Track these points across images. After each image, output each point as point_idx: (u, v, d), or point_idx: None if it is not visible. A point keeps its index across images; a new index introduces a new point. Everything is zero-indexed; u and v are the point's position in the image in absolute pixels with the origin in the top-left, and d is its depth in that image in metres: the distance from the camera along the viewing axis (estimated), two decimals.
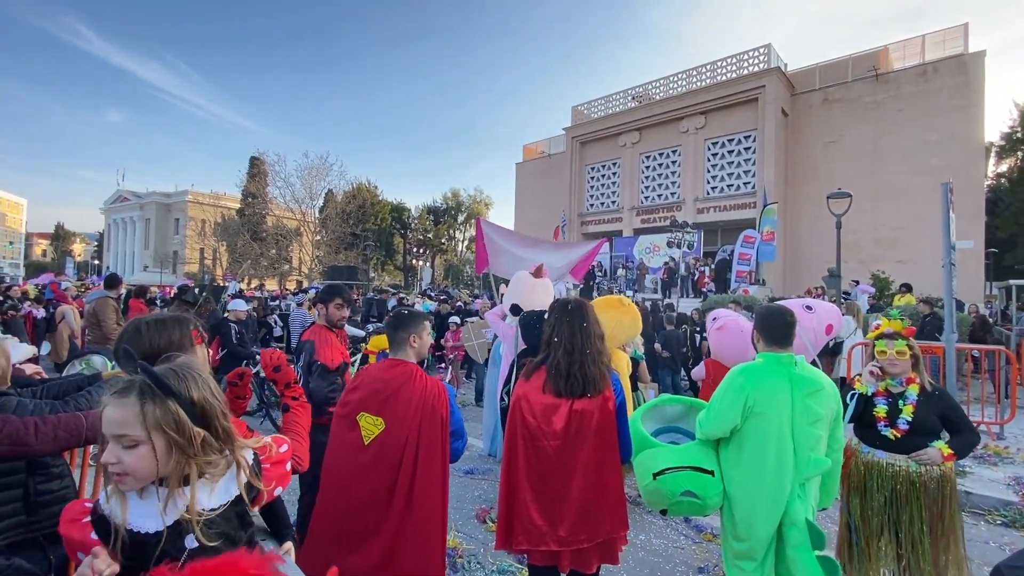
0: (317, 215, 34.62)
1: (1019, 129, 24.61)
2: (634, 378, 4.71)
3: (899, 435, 2.57)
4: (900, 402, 2.60)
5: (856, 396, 2.65)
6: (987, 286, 19.54)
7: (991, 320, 11.41)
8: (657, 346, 7.61)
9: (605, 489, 2.18)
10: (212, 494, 1.09)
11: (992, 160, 25.40)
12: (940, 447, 2.54)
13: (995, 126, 30.48)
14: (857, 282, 15.76)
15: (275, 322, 11.38)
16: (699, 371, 4.54)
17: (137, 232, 55.31)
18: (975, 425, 6.91)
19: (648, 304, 12.43)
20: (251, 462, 1.19)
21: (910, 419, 2.57)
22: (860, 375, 2.74)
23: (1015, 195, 24.17)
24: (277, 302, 16.02)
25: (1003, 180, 25.69)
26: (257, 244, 33.74)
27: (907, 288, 12.91)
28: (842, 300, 10.57)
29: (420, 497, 2.12)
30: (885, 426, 2.60)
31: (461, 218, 50.51)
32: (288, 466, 1.38)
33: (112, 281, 6.54)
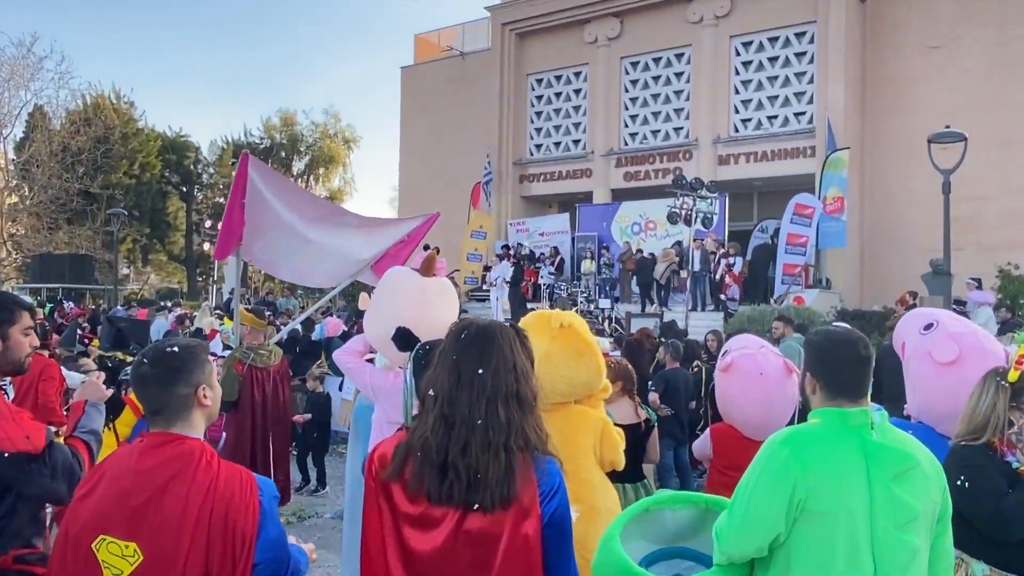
0: (12, 156, 25.44)
1: None
2: (639, 456, 3.52)
3: None
4: None
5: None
6: None
7: None
8: (653, 396, 5.52)
9: None
10: None
11: None
12: None
13: None
14: (978, 282, 11.96)
15: None
16: (702, 444, 3.46)
17: None
18: None
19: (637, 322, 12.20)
20: None
21: None
22: (1005, 438, 2.09)
23: None
24: None
25: None
26: None
27: None
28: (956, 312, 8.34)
29: None
30: None
31: (298, 165, 36.62)
32: None
33: None
